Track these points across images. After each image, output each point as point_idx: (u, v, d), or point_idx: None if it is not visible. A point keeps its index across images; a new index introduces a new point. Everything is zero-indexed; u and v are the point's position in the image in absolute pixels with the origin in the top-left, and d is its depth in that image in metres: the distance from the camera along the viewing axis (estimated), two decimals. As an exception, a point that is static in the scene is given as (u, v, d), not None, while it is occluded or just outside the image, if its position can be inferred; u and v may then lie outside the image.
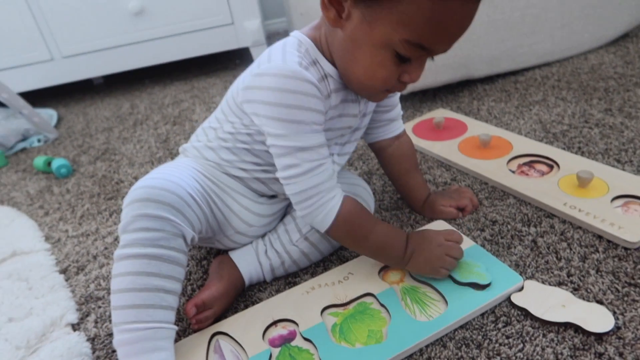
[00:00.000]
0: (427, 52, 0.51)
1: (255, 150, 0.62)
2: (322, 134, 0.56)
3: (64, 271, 0.78)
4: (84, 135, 1.39)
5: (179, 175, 0.57)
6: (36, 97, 1.69)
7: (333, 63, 0.57)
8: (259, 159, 0.63)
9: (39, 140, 1.41)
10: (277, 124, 0.53)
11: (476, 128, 0.99)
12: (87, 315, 0.68)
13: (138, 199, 0.53)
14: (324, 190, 0.56)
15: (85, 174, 1.13)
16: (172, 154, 1.15)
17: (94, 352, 0.61)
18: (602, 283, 0.59)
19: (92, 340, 0.63)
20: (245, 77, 0.58)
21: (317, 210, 0.56)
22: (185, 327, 0.62)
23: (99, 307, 0.69)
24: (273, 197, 0.69)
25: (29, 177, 1.18)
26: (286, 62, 0.53)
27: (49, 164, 1.17)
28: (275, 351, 0.55)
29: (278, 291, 0.65)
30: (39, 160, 1.18)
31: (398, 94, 0.74)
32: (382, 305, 0.59)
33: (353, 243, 0.61)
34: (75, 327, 0.66)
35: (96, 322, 0.66)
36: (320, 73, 0.57)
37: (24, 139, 1.42)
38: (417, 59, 0.52)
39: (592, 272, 0.61)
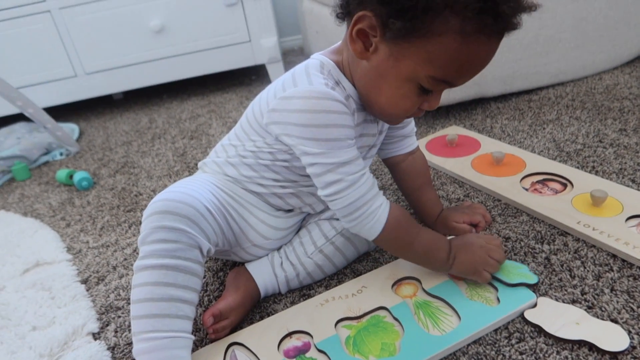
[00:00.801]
0: (449, 85, 0.53)
1: (275, 167, 0.64)
2: (355, 148, 0.58)
3: (85, 281, 0.81)
4: (104, 149, 1.43)
5: (196, 189, 0.59)
6: (58, 112, 1.74)
7: (354, 84, 0.59)
8: (278, 176, 0.65)
9: (61, 154, 1.45)
10: (314, 143, 0.55)
11: (489, 145, 1.00)
12: (107, 325, 0.70)
13: (156, 212, 0.55)
14: (370, 199, 0.57)
15: (106, 187, 1.17)
16: (189, 168, 1.18)
17: (113, 361, 0.63)
18: (617, 302, 0.59)
19: (112, 349, 0.65)
20: (269, 100, 0.60)
21: (366, 220, 0.57)
22: (203, 337, 0.64)
23: (119, 316, 0.71)
24: (289, 211, 0.71)
25: (51, 190, 1.22)
26: (313, 84, 0.56)
27: (70, 176, 1.21)
28: (290, 363, 0.56)
29: (293, 303, 0.66)
30: (62, 173, 1.22)
31: None
32: (395, 318, 0.59)
33: (399, 249, 0.63)
34: (95, 336, 0.68)
35: (116, 331, 0.68)
36: (344, 93, 0.59)
37: (47, 152, 1.46)
38: (438, 91, 0.55)
39: (607, 290, 0.61)
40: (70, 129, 1.63)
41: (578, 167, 0.89)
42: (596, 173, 0.86)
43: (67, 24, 1.59)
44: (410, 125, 0.76)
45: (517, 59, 1.19)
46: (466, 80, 0.53)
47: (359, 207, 0.57)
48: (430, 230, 0.64)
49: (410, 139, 0.77)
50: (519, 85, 1.23)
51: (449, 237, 0.66)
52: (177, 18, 1.63)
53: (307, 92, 0.55)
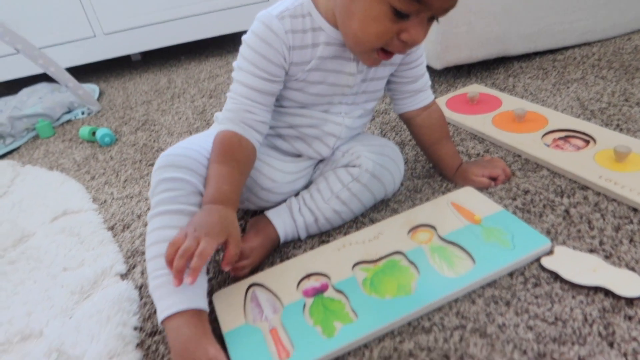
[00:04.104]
0: (423, 7, 0.51)
1: (273, 114, 0.67)
2: (265, 83, 0.62)
3: (111, 228, 0.84)
4: (124, 108, 1.45)
5: (199, 142, 0.64)
6: (78, 73, 1.76)
7: (331, 21, 0.61)
8: (278, 122, 0.69)
9: (82, 113, 1.48)
10: (239, 57, 0.63)
11: (511, 103, 0.99)
12: (133, 267, 0.73)
13: (159, 167, 0.60)
14: (224, 119, 0.63)
15: (127, 143, 1.19)
16: (209, 125, 1.19)
17: (141, 299, 0.66)
18: (635, 252, 0.59)
19: (139, 288, 0.68)
20: None
21: (214, 121, 0.66)
22: (225, 278, 0.66)
23: (144, 260, 0.74)
24: (298, 156, 0.73)
25: (75, 146, 1.25)
26: (269, 10, 0.61)
27: (93, 133, 1.23)
28: (309, 301, 0.58)
29: (312, 249, 0.68)
30: (84, 130, 1.24)
31: (423, 66, 0.74)
32: (411, 262, 0.61)
33: (212, 156, 0.62)
34: (123, 277, 0.71)
35: (142, 273, 0.71)
36: (307, 25, 0.62)
37: (69, 111, 1.49)
38: (416, 15, 0.53)
39: (625, 241, 0.61)
40: (91, 89, 1.65)
41: (602, 125, 0.87)
42: (620, 131, 0.85)
43: (85, -18, 1.59)
44: (422, 79, 0.75)
45: (543, 16, 1.15)
46: (440, 1, 0.51)
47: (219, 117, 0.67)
48: (223, 170, 0.61)
49: (424, 93, 0.76)
50: (544, 43, 1.20)
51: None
52: (195, -24, 1.61)
53: (260, 16, 0.61)
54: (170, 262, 0.51)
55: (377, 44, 0.57)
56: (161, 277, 0.55)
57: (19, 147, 1.32)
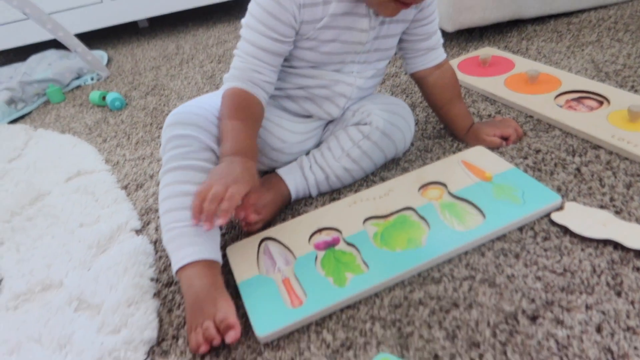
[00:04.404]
0: None
1: (281, 74, 0.67)
2: (274, 43, 0.62)
3: (124, 187, 0.85)
4: (133, 74, 1.45)
5: (208, 101, 0.65)
6: (85, 40, 1.74)
7: None
8: (287, 84, 0.68)
9: (92, 79, 1.47)
10: (247, 15, 0.63)
11: (524, 65, 0.97)
12: (148, 224, 0.74)
13: (168, 125, 0.62)
14: (231, 76, 0.64)
15: (138, 107, 1.19)
16: (218, 88, 1.19)
17: (156, 253, 0.68)
18: (646, 208, 0.59)
19: (154, 243, 0.70)
20: None
21: (223, 83, 0.65)
22: (238, 233, 0.68)
23: (159, 217, 0.75)
24: (308, 117, 0.73)
25: (85, 110, 1.25)
26: None
27: (103, 97, 1.24)
28: (321, 254, 0.59)
29: (323, 205, 0.69)
30: (95, 95, 1.25)
31: (436, 23, 0.73)
32: (421, 217, 0.62)
33: (224, 111, 0.63)
34: (138, 232, 0.73)
35: (156, 229, 0.73)
36: None
37: (78, 77, 1.49)
38: None
39: (637, 197, 0.61)
40: (99, 55, 1.64)
41: (617, 87, 0.86)
42: (635, 92, 0.83)
43: (91, -55, 1.56)
44: (435, 37, 0.74)
45: (559, -24, 1.12)
46: None
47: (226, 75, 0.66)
48: (238, 123, 0.61)
49: (436, 51, 0.75)
50: (559, 5, 1.17)
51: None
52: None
53: None
54: (197, 211, 0.52)
55: None
56: (174, 229, 0.56)
57: (30, 112, 1.33)
